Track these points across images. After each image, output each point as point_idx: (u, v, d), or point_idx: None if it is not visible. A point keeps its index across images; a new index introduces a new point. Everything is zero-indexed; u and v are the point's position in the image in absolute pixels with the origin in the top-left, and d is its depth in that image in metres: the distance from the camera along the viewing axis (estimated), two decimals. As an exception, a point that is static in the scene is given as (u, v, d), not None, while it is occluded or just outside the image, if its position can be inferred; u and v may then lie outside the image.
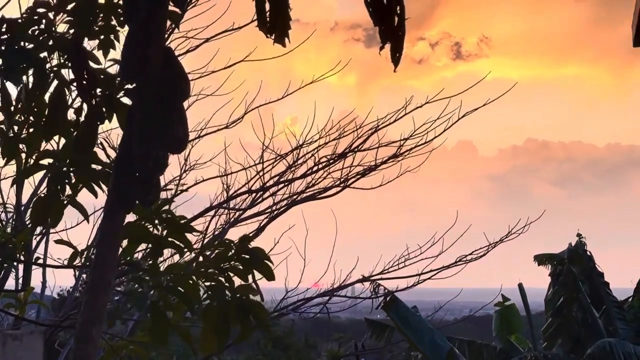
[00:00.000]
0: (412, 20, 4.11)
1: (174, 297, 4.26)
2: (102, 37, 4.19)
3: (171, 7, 3.98)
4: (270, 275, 4.41)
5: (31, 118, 4.29)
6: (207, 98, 9.99)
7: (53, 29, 4.16)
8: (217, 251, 4.39)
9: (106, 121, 4.24)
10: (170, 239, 4.39)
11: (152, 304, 4.18)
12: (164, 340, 4.25)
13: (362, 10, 3.95)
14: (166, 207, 4.48)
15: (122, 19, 4.13)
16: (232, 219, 10.34)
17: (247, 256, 4.35)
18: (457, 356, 15.10)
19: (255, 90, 10.21)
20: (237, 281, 4.35)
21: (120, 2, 4.10)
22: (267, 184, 10.39)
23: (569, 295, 16.52)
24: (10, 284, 8.64)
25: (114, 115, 4.22)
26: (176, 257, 6.68)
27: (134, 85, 3.87)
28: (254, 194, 10.40)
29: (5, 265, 6.65)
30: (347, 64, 10.56)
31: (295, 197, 10.45)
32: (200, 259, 4.41)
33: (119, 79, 4.18)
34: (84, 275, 8.76)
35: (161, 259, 4.47)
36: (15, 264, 7.51)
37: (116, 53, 4.28)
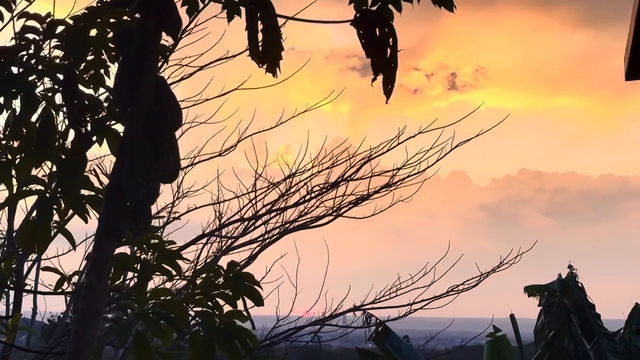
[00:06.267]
0: (407, 50, 4.14)
1: (161, 322, 4.23)
2: (92, 71, 4.19)
3: (163, 39, 3.99)
4: (259, 301, 4.39)
5: (17, 143, 4.26)
6: (200, 126, 9.99)
7: (42, 53, 4.15)
8: (204, 276, 4.38)
9: (99, 147, 4.22)
10: (159, 264, 4.37)
11: (136, 333, 4.15)
12: None
13: (358, 39, 3.98)
14: (155, 233, 4.46)
15: (113, 53, 4.13)
16: (224, 247, 10.31)
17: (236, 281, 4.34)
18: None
19: (248, 118, 10.23)
20: (227, 307, 4.33)
21: (111, 36, 4.10)
22: (260, 212, 10.37)
23: (561, 327, 16.49)
24: (0, 310, 8.60)
25: (104, 140, 4.20)
26: (167, 285, 6.65)
27: (125, 114, 3.88)
28: (246, 222, 10.38)
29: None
30: (340, 93, 10.60)
31: (287, 225, 10.43)
32: (191, 286, 4.40)
33: (107, 104, 4.17)
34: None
35: (153, 285, 4.45)
36: (5, 290, 7.47)
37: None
